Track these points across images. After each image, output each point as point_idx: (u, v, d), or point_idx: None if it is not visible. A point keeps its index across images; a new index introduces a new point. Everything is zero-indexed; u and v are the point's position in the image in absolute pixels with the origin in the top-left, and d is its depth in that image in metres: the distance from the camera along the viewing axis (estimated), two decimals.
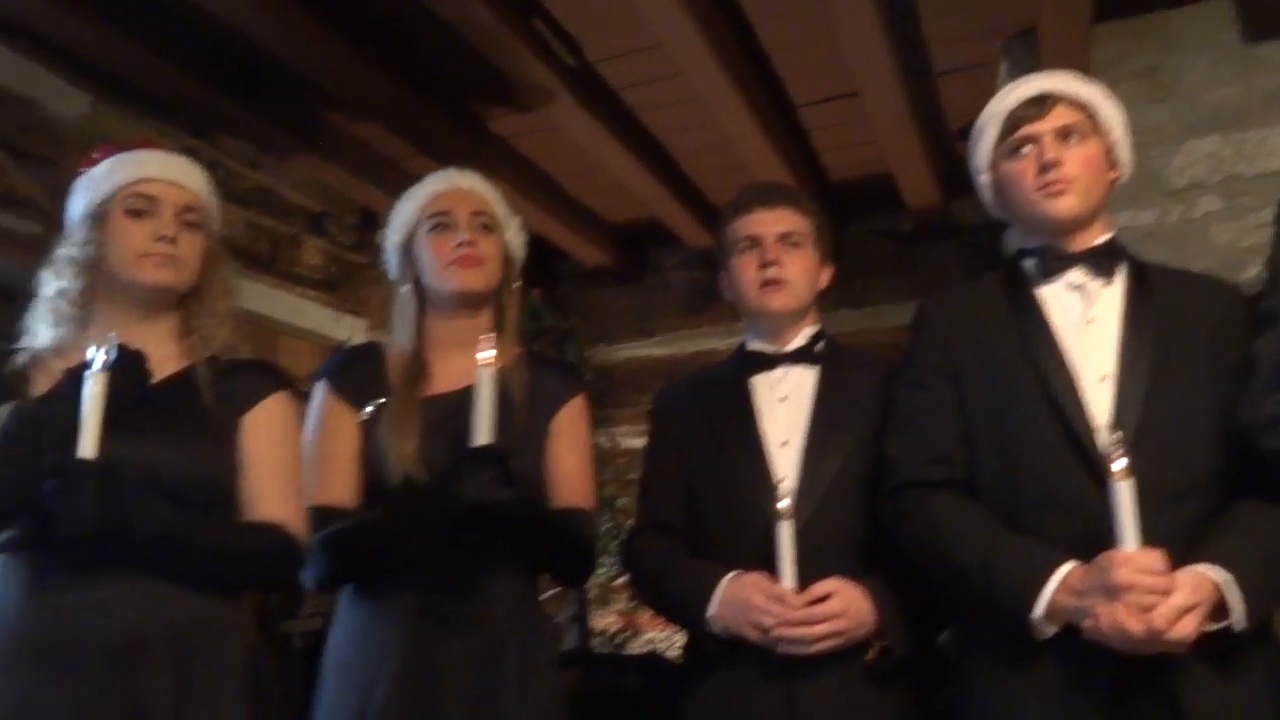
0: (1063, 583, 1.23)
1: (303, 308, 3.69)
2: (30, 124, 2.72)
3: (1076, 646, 1.23)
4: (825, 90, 3.13)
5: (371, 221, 4.04)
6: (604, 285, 4.68)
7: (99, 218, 1.43)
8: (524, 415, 1.55)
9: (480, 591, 1.49)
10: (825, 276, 1.68)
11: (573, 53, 2.80)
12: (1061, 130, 1.41)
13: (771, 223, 1.61)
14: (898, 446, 1.45)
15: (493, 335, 1.44)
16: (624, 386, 4.62)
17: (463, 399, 1.55)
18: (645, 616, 4.34)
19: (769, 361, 1.62)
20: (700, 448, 1.61)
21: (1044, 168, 1.39)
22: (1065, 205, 1.40)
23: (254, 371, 1.49)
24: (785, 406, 1.58)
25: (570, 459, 1.63)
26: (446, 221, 1.61)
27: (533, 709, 1.49)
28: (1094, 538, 1.24)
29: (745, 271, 1.61)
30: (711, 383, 1.69)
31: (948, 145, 3.40)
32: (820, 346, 1.64)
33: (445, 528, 1.42)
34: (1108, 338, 1.37)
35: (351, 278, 3.98)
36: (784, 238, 1.60)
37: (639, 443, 4.59)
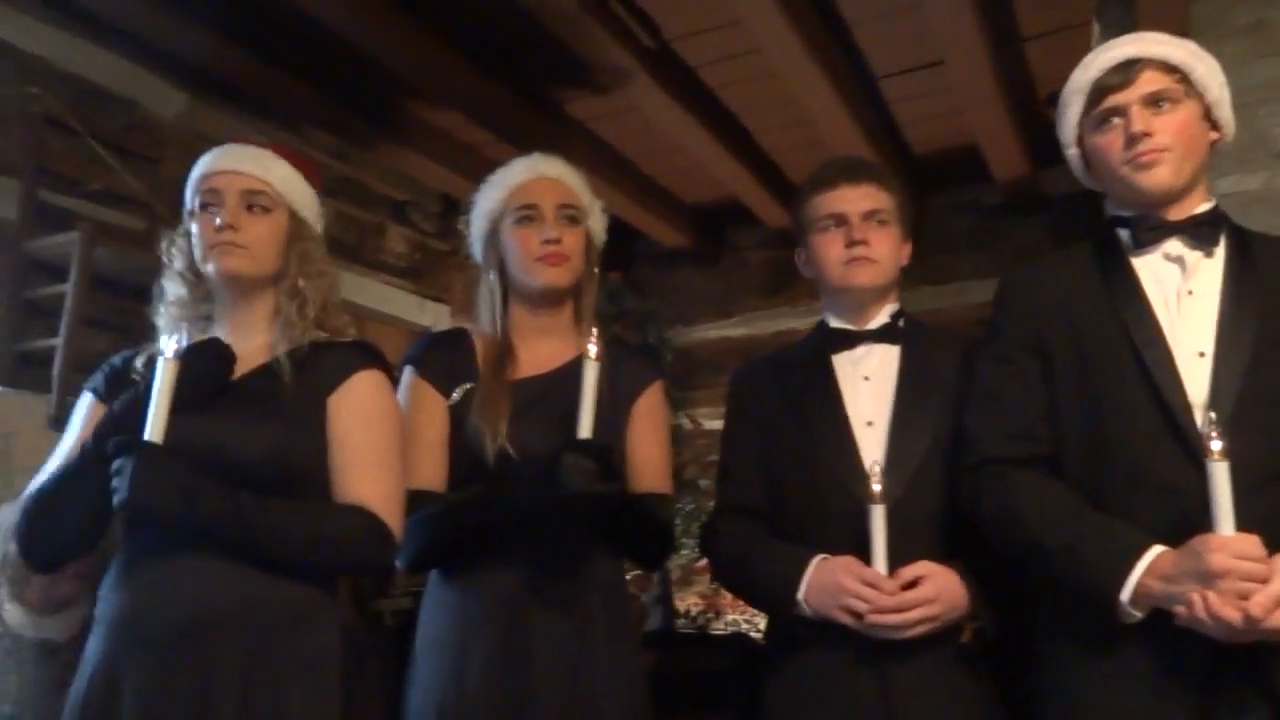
0: (1151, 567, 1.18)
1: (387, 294, 3.79)
2: (133, 123, 2.85)
3: (1166, 632, 1.18)
4: (908, 61, 3.06)
5: (453, 209, 4.12)
6: (682, 266, 4.68)
7: (185, 221, 1.49)
8: (605, 401, 1.55)
9: (574, 574, 1.51)
10: (905, 253, 1.63)
11: (650, 32, 2.79)
12: (1150, 98, 1.33)
13: (857, 200, 1.56)
14: (979, 422, 1.40)
15: (595, 331, 1.46)
16: (703, 368, 4.61)
17: (549, 384, 1.57)
18: (727, 598, 4.34)
19: (850, 339, 1.58)
20: (782, 428, 1.58)
21: (1132, 140, 1.32)
22: (1157, 177, 1.32)
23: (343, 351, 1.47)
24: (869, 386, 1.54)
25: (651, 444, 1.63)
26: (532, 215, 1.60)
27: (620, 688, 1.51)
28: (1186, 520, 1.18)
29: (829, 249, 1.57)
30: (791, 362, 1.65)
31: (1037, 113, 3.28)
32: (901, 324, 1.60)
33: (547, 514, 1.45)
34: (1207, 312, 1.30)
35: (434, 265, 4.07)
36: (870, 215, 1.56)
37: (720, 424, 4.59)
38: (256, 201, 1.45)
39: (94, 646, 1.33)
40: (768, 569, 1.51)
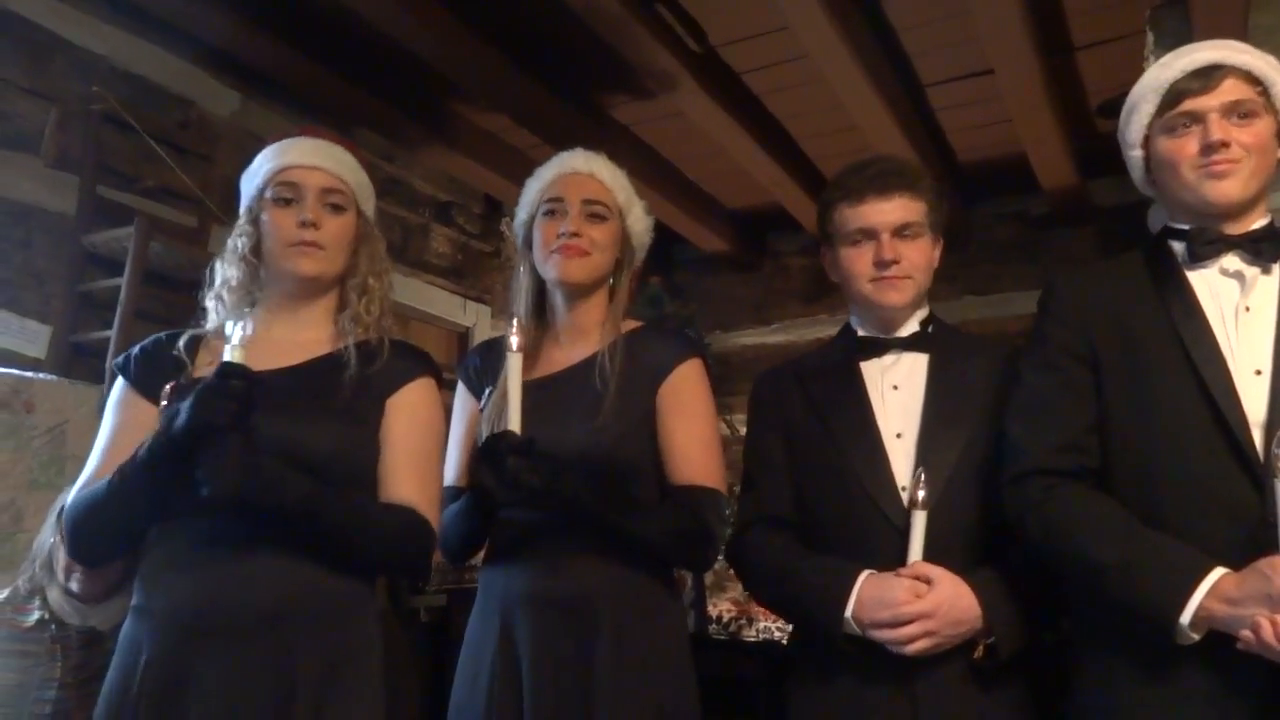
0: (1213, 589, 1.15)
1: (431, 294, 3.84)
2: (188, 121, 2.91)
3: (1225, 655, 1.15)
4: (956, 68, 3.03)
5: (496, 210, 4.15)
6: (722, 271, 4.67)
7: (253, 209, 1.49)
8: (614, 397, 1.53)
9: (561, 572, 1.49)
10: (937, 255, 1.58)
11: (696, 37, 2.80)
12: (1230, 106, 1.29)
13: (887, 213, 1.51)
14: (1025, 430, 1.36)
15: (516, 322, 1.43)
16: (741, 374, 4.59)
17: (557, 382, 1.58)
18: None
19: (879, 347, 1.55)
20: (808, 437, 1.53)
21: (1208, 148, 1.28)
22: (1227, 189, 1.29)
23: (403, 355, 1.51)
24: (897, 395, 1.51)
25: (678, 430, 1.56)
26: (556, 208, 1.62)
27: (627, 697, 1.45)
28: (1245, 539, 1.16)
29: (856, 263, 1.53)
30: (815, 369, 1.60)
31: (1087, 123, 3.23)
32: (930, 330, 1.56)
33: (483, 509, 1.48)
34: (1265, 329, 1.27)
35: (476, 265, 4.11)
36: (900, 230, 1.51)
37: None
38: (334, 200, 1.47)
39: (144, 636, 1.31)
40: (811, 584, 1.45)
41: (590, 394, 1.54)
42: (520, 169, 3.53)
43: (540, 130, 3.26)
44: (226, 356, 1.25)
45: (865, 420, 1.50)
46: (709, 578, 4.34)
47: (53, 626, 1.84)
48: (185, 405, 1.24)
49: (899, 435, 1.48)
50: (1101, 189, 3.69)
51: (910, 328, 1.56)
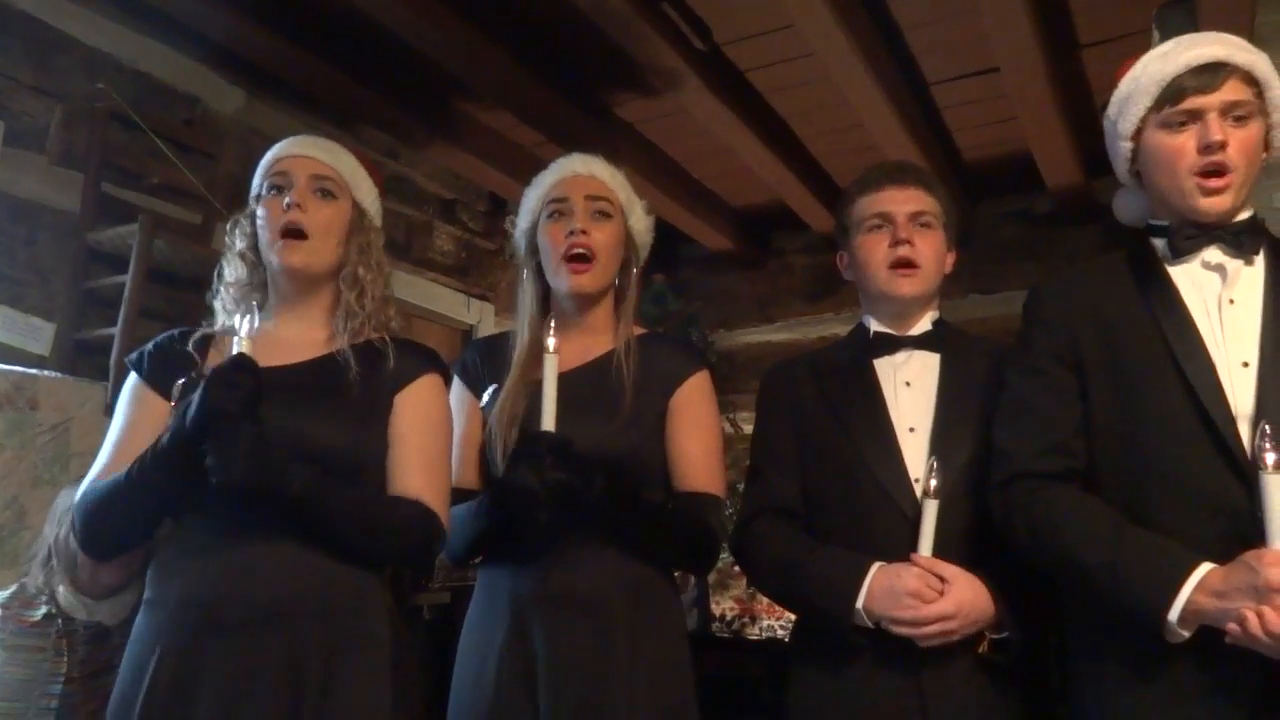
0: (1200, 584, 1.14)
1: (434, 292, 3.84)
2: (193, 119, 2.92)
3: (1214, 650, 1.15)
4: (961, 66, 3.03)
5: (500, 208, 4.16)
6: (726, 270, 4.67)
7: (251, 206, 1.51)
8: (632, 397, 1.55)
9: (576, 571, 1.49)
10: (950, 261, 1.62)
11: (701, 36, 2.80)
12: (1229, 106, 1.28)
13: (904, 201, 1.56)
14: (1010, 435, 1.36)
15: (552, 324, 1.44)
16: (746, 372, 4.59)
17: (570, 380, 1.54)
18: (763, 604, 4.32)
19: (892, 344, 1.57)
20: (821, 430, 1.55)
21: (1207, 147, 1.27)
22: (1220, 204, 1.28)
23: (410, 352, 1.51)
24: (910, 391, 1.53)
25: (689, 439, 1.59)
26: (562, 209, 1.62)
27: (644, 689, 1.46)
28: (1232, 535, 1.16)
29: (874, 251, 1.56)
30: (829, 364, 1.63)
31: (1092, 121, 3.23)
32: (941, 331, 1.60)
33: (523, 512, 1.42)
34: (1250, 321, 1.26)
35: (480, 263, 4.11)
36: (915, 217, 1.56)
37: None
38: (324, 186, 1.48)
39: (156, 628, 1.32)
40: (822, 575, 1.46)
41: (606, 393, 1.55)
42: (525, 167, 3.54)
43: (545, 128, 3.26)
44: (235, 348, 1.27)
45: (879, 414, 1.52)
46: (712, 576, 4.34)
47: (59, 621, 1.85)
48: (196, 395, 1.26)
49: (912, 429, 1.50)
50: (1107, 187, 3.65)
51: (922, 326, 1.59)
